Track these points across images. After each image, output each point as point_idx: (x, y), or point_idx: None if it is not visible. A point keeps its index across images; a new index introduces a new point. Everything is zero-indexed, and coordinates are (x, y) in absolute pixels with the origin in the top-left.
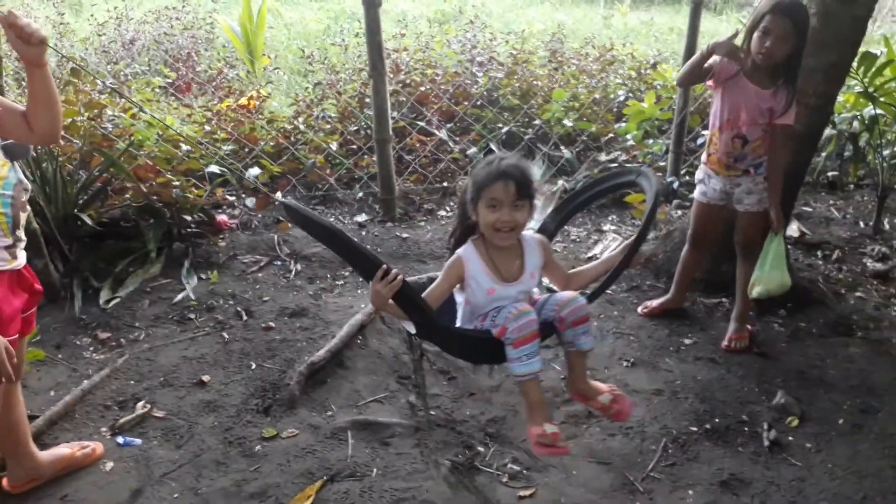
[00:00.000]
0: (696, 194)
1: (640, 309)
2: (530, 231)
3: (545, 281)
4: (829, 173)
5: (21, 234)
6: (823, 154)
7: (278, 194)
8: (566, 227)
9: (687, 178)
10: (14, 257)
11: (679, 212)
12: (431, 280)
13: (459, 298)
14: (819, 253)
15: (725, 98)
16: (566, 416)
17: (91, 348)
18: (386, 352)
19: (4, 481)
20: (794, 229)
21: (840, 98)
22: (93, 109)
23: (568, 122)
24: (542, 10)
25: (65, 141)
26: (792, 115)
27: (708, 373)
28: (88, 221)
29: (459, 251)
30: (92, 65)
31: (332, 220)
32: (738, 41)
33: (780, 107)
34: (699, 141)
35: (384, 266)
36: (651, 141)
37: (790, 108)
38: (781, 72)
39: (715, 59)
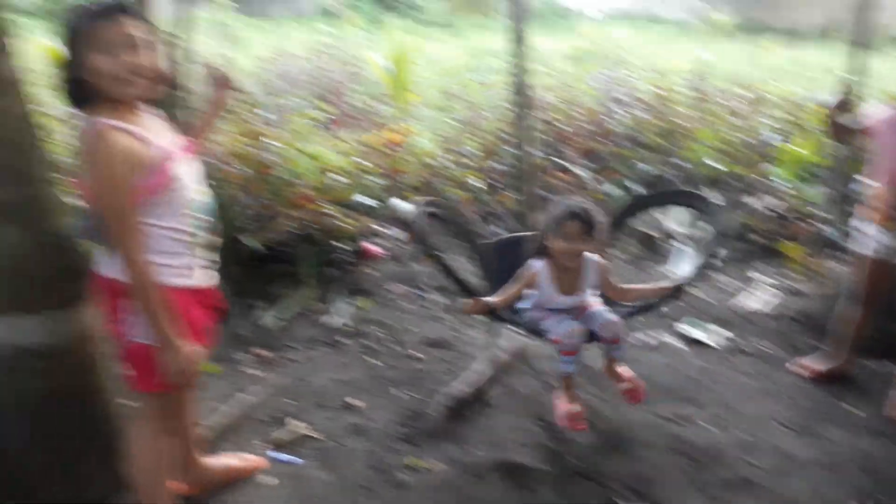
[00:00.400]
0: (867, 251)
1: (797, 369)
2: (593, 256)
3: None
4: None
5: (207, 254)
6: None
7: (394, 200)
8: (713, 273)
9: (846, 229)
10: (200, 275)
11: (838, 264)
12: (518, 240)
13: (524, 302)
14: None
15: (886, 149)
16: (720, 481)
17: (251, 364)
18: (526, 392)
19: (182, 486)
20: None
21: None
22: (252, 137)
23: (713, 164)
24: (685, 48)
25: (231, 168)
26: None
27: (874, 446)
28: (252, 244)
29: (534, 264)
30: (254, 96)
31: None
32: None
33: None
34: (855, 188)
35: (476, 299)
36: (806, 186)
37: None
38: None
39: (879, 114)
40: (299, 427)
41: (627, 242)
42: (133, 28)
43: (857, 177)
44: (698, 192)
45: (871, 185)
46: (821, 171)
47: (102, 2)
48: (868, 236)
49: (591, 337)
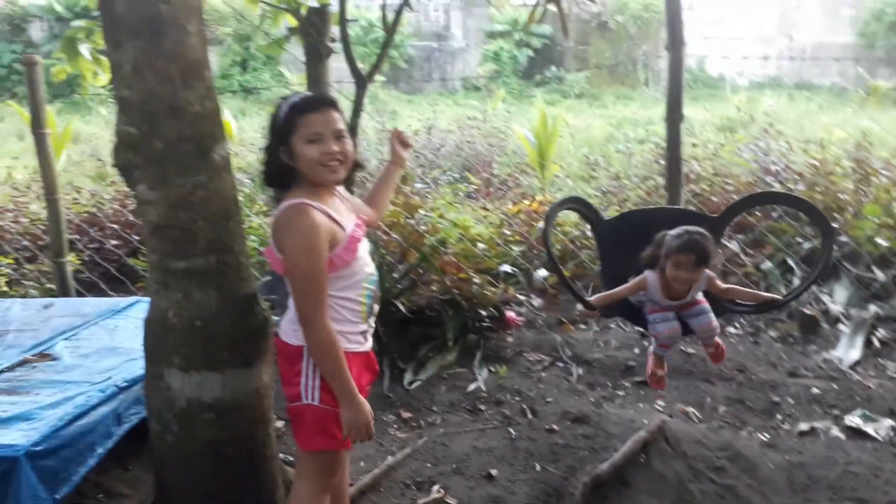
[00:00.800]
0: None
1: None
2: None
3: None
4: None
5: (373, 322)
6: None
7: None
8: (883, 360)
9: None
10: (367, 340)
11: None
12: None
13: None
14: None
15: None
16: None
17: (395, 426)
18: (670, 476)
19: None
20: None
21: None
22: (409, 210)
23: (882, 241)
24: (842, 116)
25: (387, 236)
26: None
27: None
28: (402, 308)
29: (647, 273)
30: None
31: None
32: None
33: None
34: None
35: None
36: None
37: None
38: None
39: None
40: (439, 493)
41: (787, 324)
42: (337, 119)
43: None
44: (808, 201)
45: None
46: None
47: (313, 95)
48: None
49: (688, 330)
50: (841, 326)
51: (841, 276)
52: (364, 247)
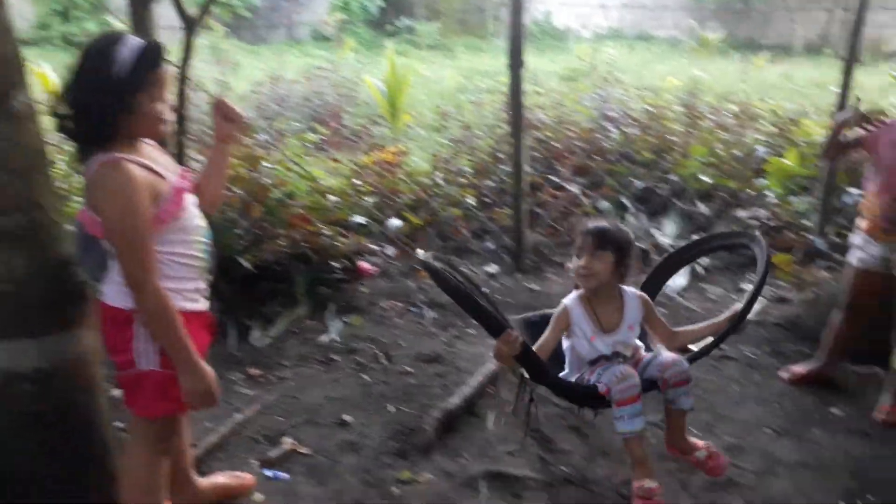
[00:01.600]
0: (853, 260)
1: (784, 374)
2: (632, 288)
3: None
4: None
5: (209, 278)
6: None
7: (419, 251)
8: (705, 285)
9: (835, 238)
10: (204, 298)
11: (826, 273)
12: (545, 316)
13: (566, 344)
14: None
15: (881, 161)
16: (705, 482)
17: (242, 383)
18: (517, 403)
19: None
20: None
21: None
22: (252, 162)
23: (705, 178)
24: (676, 65)
25: (228, 190)
26: None
27: (860, 447)
28: (245, 265)
29: (566, 301)
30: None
31: (464, 269)
32: (864, 107)
33: None
34: (845, 199)
35: (508, 331)
36: (795, 199)
37: None
38: None
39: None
40: (291, 445)
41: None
42: (167, 71)
43: (847, 189)
44: (736, 231)
45: (863, 196)
46: (809, 182)
47: (155, 44)
48: (855, 246)
49: (651, 385)
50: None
51: (669, 212)
52: (192, 198)
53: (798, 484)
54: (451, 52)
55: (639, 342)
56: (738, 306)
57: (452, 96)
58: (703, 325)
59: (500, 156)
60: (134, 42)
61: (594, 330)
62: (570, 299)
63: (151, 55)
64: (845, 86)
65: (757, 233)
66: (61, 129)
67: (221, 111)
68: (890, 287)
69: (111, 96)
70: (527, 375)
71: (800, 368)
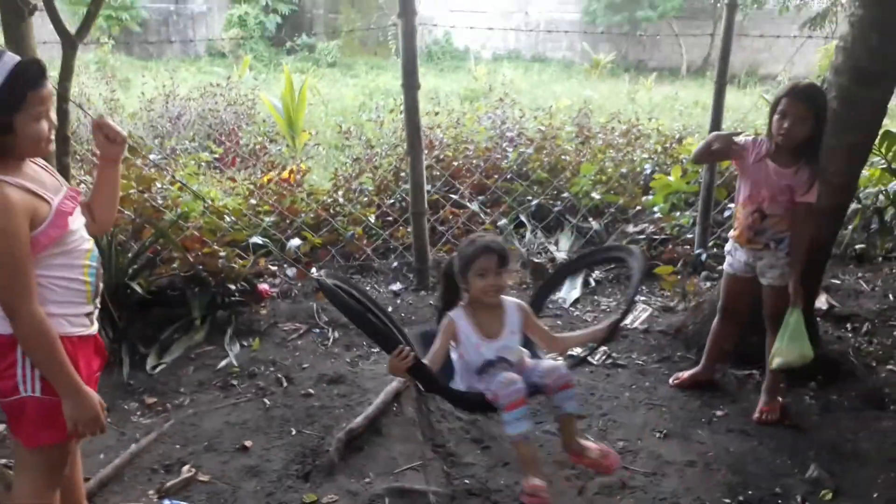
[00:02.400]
0: (724, 266)
1: (671, 380)
2: (511, 298)
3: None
4: (857, 246)
5: (97, 302)
6: (851, 227)
7: (313, 270)
8: (597, 297)
9: (714, 249)
10: (92, 323)
11: (707, 283)
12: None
13: (454, 355)
14: (849, 326)
15: (747, 176)
16: (600, 486)
17: (138, 412)
18: (421, 419)
19: None
20: (822, 301)
21: (865, 172)
22: (144, 183)
23: (596, 195)
24: (569, 86)
25: (118, 213)
26: (814, 193)
27: (740, 445)
28: (138, 289)
29: (451, 314)
30: (140, 139)
31: (367, 288)
32: (740, 137)
33: (802, 185)
34: (726, 213)
35: (400, 346)
36: (679, 214)
37: (812, 186)
38: (802, 152)
39: (738, 140)
40: (190, 472)
41: (520, 272)
42: (48, 89)
43: (729, 203)
44: (617, 246)
45: (734, 207)
46: (693, 198)
47: (32, 62)
48: (727, 253)
49: (536, 390)
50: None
51: (564, 227)
52: (78, 220)
53: (686, 482)
54: (352, 71)
55: (524, 350)
56: (614, 318)
57: (354, 115)
58: (582, 333)
59: (402, 174)
60: (10, 59)
61: (479, 338)
62: (454, 312)
63: (29, 73)
64: (718, 106)
65: (633, 247)
66: None
67: (102, 131)
68: (759, 292)
69: None
70: (421, 387)
71: (685, 374)
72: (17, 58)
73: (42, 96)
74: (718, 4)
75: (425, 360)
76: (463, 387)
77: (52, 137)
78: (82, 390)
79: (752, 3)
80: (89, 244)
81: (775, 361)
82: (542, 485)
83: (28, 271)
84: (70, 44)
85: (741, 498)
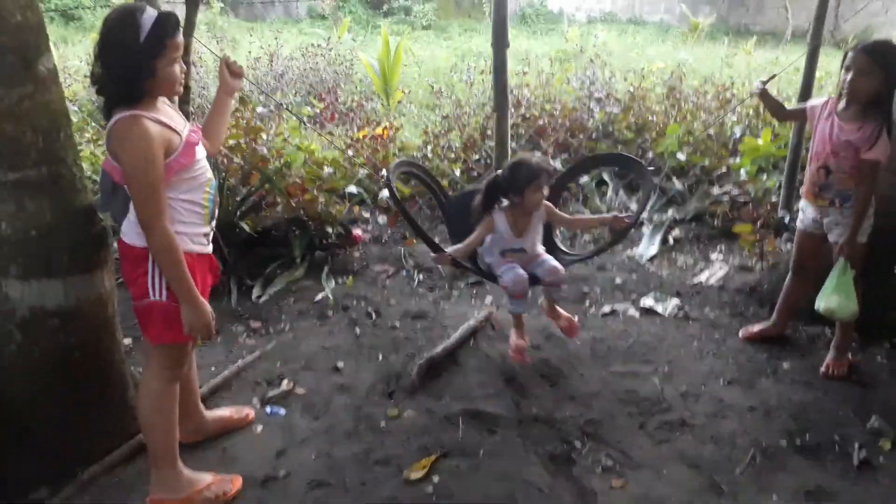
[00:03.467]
0: (797, 223)
1: (741, 333)
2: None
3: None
4: None
5: (213, 225)
6: None
7: (383, 171)
8: (675, 254)
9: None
10: (209, 243)
11: (789, 245)
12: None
13: (487, 240)
14: None
15: (816, 133)
16: (660, 423)
17: (244, 335)
18: (494, 355)
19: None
20: None
21: None
22: (252, 133)
23: (681, 156)
24: (664, 49)
25: (229, 160)
26: (879, 150)
27: (803, 395)
28: (246, 229)
29: (494, 215)
30: (250, 92)
31: None
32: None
33: (865, 142)
34: None
35: (440, 253)
36: (765, 177)
37: (876, 143)
38: (869, 109)
39: (812, 101)
40: (289, 386)
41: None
42: (181, 39)
43: None
44: (632, 157)
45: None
46: (780, 162)
47: (169, 14)
48: (800, 212)
49: (535, 280)
50: (643, 229)
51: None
52: (202, 151)
53: (744, 425)
54: (446, 33)
55: (540, 246)
56: (627, 218)
57: (445, 76)
58: (591, 218)
59: (489, 132)
60: (151, 12)
61: (510, 234)
62: (496, 213)
63: (168, 23)
64: (810, 70)
65: (642, 162)
66: (98, 90)
67: (228, 66)
68: (828, 249)
69: (135, 61)
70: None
71: (755, 327)
72: (156, 11)
73: (177, 43)
74: None
75: (461, 246)
76: (488, 258)
77: (183, 81)
78: (198, 299)
79: None
80: (210, 174)
81: (820, 304)
82: (524, 343)
83: (162, 193)
84: (192, 1)
85: (798, 442)
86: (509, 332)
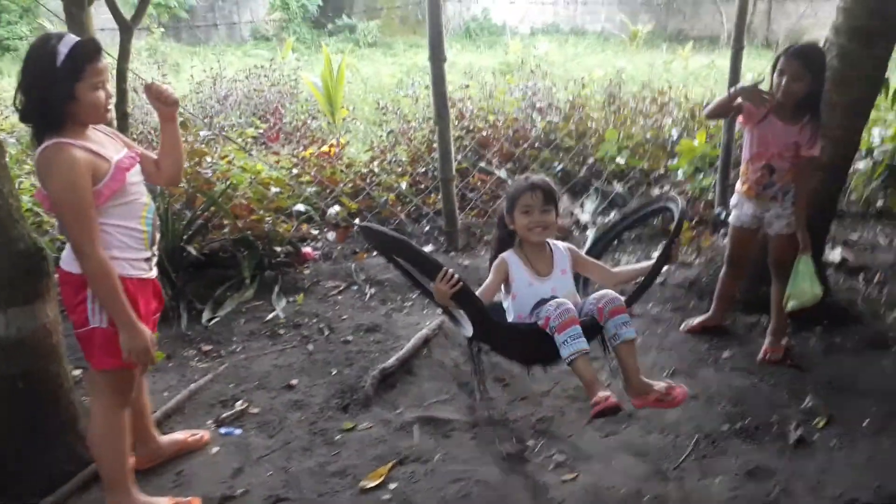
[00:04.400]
0: (731, 219)
1: (682, 326)
2: (560, 241)
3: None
4: (879, 203)
5: (155, 250)
6: (872, 185)
7: (356, 221)
8: (619, 255)
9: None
10: (151, 268)
11: (725, 240)
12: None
13: (506, 303)
14: (861, 277)
15: (755, 133)
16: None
17: (196, 359)
18: (448, 362)
19: (132, 459)
20: (836, 255)
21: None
22: (196, 157)
23: (620, 160)
24: (604, 58)
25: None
26: (817, 147)
27: (742, 381)
28: (193, 252)
29: (503, 255)
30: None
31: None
32: (764, 86)
33: (806, 140)
34: None
35: (445, 268)
36: (701, 175)
37: (815, 141)
38: (805, 108)
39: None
40: (243, 406)
41: None
42: (107, 64)
43: None
44: (662, 205)
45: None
46: (713, 160)
47: (90, 40)
48: (732, 206)
49: (592, 326)
50: (588, 232)
51: (589, 191)
52: (136, 176)
53: (688, 413)
54: (391, 50)
55: (576, 292)
56: (662, 252)
57: (391, 92)
58: (639, 266)
59: (434, 145)
60: (70, 38)
61: (531, 275)
62: (507, 253)
63: (86, 48)
64: (734, 70)
65: (673, 193)
66: (21, 117)
67: (154, 93)
68: (765, 243)
69: (55, 86)
70: (469, 334)
71: (695, 320)
72: (76, 38)
73: (98, 68)
74: None
75: (481, 292)
76: (515, 316)
77: (111, 107)
78: (136, 325)
79: None
80: (146, 199)
81: (790, 304)
82: (609, 395)
83: (91, 218)
84: (126, 29)
85: (739, 426)
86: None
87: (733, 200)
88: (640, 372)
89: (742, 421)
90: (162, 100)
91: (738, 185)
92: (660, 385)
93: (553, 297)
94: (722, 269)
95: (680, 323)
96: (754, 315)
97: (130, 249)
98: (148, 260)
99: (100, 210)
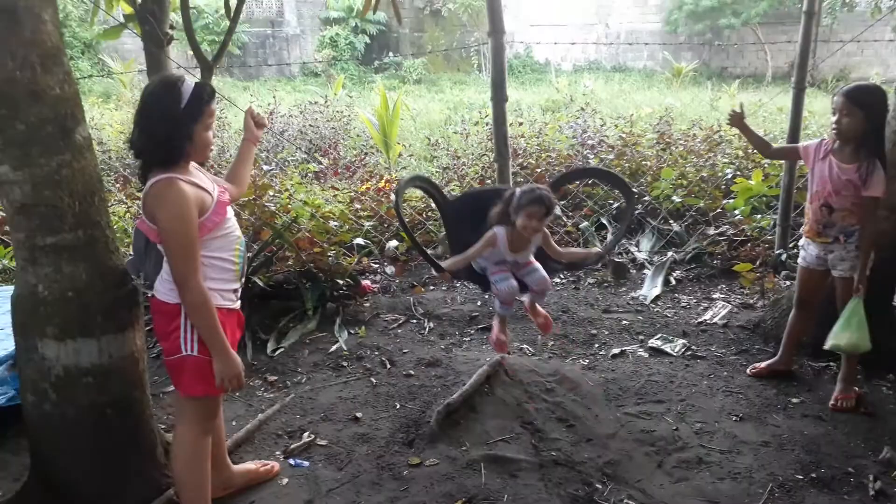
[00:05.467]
0: (798, 260)
1: (749, 370)
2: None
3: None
4: None
5: (243, 281)
6: None
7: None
8: (677, 294)
9: (795, 250)
10: (238, 299)
11: (787, 282)
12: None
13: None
14: None
15: (814, 173)
16: (678, 461)
17: (262, 389)
18: (510, 400)
19: None
20: None
21: None
22: (261, 191)
23: (676, 198)
24: (650, 95)
25: (238, 217)
26: (878, 188)
27: (814, 428)
28: (259, 283)
29: (496, 229)
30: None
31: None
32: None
33: (864, 180)
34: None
35: (441, 273)
36: (759, 216)
37: (875, 181)
38: (862, 148)
39: (805, 143)
40: (310, 437)
41: (602, 272)
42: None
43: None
44: (615, 173)
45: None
46: (772, 201)
47: (207, 85)
48: (800, 248)
49: (524, 287)
50: (645, 270)
51: (645, 229)
52: (231, 210)
53: (760, 460)
54: (437, 86)
55: (533, 258)
56: (607, 244)
57: (440, 128)
58: (580, 251)
59: (488, 181)
60: (190, 82)
61: (507, 250)
62: (498, 229)
63: (205, 92)
64: (797, 111)
65: (630, 185)
66: (137, 153)
67: (252, 117)
68: (832, 284)
69: (178, 126)
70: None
71: (763, 364)
72: (194, 81)
73: (212, 110)
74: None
75: (461, 257)
76: (481, 262)
77: (212, 145)
78: (230, 353)
79: (842, 6)
80: (239, 232)
81: (829, 342)
82: (505, 337)
83: (197, 250)
84: (207, 67)
85: (814, 475)
86: (494, 325)
87: (801, 242)
88: (537, 308)
89: (817, 470)
90: (257, 121)
91: (803, 227)
92: (540, 317)
93: (514, 261)
94: (791, 311)
95: (745, 366)
96: (822, 360)
97: (223, 281)
98: (236, 291)
99: (201, 242)
